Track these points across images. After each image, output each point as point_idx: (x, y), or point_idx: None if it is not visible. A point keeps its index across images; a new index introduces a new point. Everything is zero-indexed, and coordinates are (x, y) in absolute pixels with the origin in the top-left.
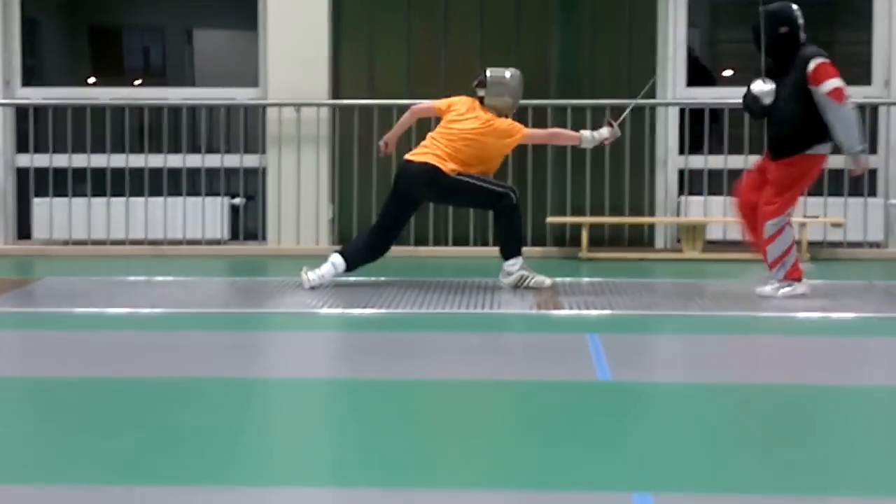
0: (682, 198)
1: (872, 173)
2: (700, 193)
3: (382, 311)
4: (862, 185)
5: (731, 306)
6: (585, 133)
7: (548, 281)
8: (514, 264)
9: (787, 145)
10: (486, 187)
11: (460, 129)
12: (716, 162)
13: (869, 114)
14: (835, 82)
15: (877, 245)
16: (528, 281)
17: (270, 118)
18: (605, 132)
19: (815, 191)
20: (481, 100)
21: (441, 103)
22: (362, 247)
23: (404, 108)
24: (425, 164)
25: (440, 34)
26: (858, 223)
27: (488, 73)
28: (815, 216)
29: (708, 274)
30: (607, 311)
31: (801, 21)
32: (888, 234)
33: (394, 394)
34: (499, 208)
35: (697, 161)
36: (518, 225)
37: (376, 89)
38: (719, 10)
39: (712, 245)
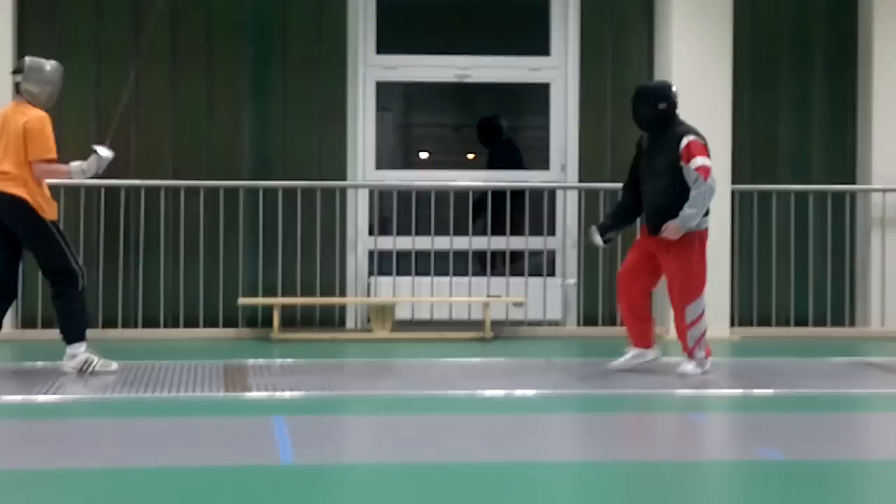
0: (372, 278)
1: (551, 254)
2: (389, 274)
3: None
4: (541, 265)
5: (419, 385)
6: (74, 165)
7: (114, 364)
8: (78, 347)
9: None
10: (66, 252)
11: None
12: (404, 243)
13: (547, 197)
14: (703, 160)
15: (556, 323)
16: (94, 365)
17: None
18: (92, 161)
19: (498, 271)
20: (17, 86)
21: None
22: None
23: None
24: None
25: (131, 113)
26: (538, 302)
27: (27, 59)
28: (497, 295)
29: (397, 353)
30: (296, 393)
31: (677, 99)
32: (566, 312)
33: (58, 486)
34: (63, 284)
35: (386, 242)
36: (84, 308)
37: None
38: (412, 94)
39: (401, 324)
